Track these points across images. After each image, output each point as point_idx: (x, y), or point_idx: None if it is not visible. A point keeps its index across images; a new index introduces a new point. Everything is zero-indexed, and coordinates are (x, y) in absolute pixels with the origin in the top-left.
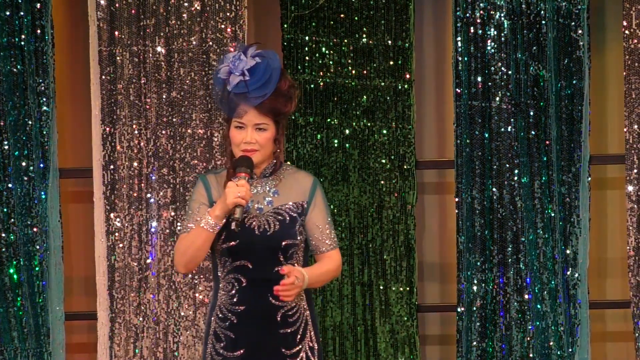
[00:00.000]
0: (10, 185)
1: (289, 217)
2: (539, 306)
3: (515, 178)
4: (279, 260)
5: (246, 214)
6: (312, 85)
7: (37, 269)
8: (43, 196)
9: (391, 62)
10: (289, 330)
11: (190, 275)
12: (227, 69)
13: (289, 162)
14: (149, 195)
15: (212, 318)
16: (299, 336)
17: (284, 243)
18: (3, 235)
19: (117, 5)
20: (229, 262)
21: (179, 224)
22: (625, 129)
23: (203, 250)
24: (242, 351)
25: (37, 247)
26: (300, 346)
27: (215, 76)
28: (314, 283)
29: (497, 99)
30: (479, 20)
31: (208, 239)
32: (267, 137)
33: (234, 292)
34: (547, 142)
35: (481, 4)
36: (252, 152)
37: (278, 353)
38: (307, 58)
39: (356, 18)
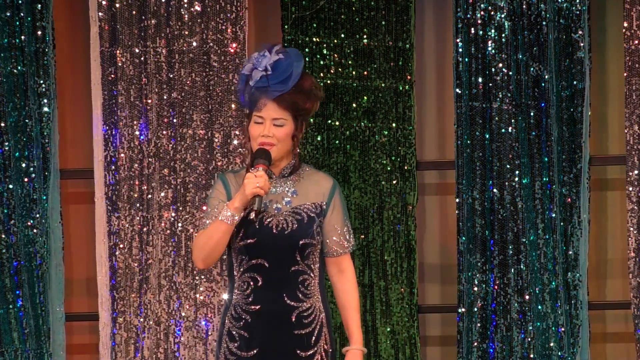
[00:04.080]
0: (10, 186)
1: (307, 217)
2: (539, 307)
3: (516, 179)
4: (295, 260)
5: (264, 212)
6: None
7: (37, 270)
8: (44, 197)
9: (392, 63)
10: (303, 332)
11: (191, 276)
12: (251, 65)
13: (307, 164)
14: (150, 195)
15: (227, 318)
16: (313, 338)
17: (301, 242)
18: (3, 236)
19: (118, 6)
20: (245, 261)
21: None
22: (625, 130)
23: (221, 244)
24: (256, 351)
25: (38, 248)
26: (315, 348)
27: (239, 73)
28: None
29: (498, 99)
30: (479, 21)
31: (227, 232)
32: (285, 132)
33: (249, 291)
34: (548, 143)
35: (482, 5)
36: (269, 146)
37: (293, 354)
38: (307, 59)
39: (357, 19)
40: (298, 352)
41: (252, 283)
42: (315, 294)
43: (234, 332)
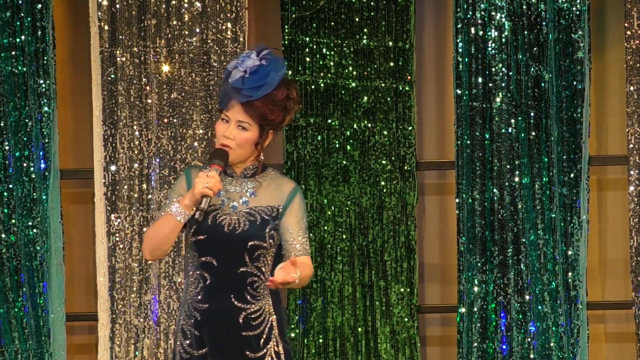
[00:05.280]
0: (11, 186)
1: (260, 219)
2: (539, 307)
3: (516, 179)
4: (244, 261)
5: (219, 210)
6: (312, 87)
7: (37, 270)
8: (44, 197)
9: (392, 63)
10: (252, 333)
11: None
12: (236, 63)
13: (273, 168)
14: (149, 196)
15: (181, 314)
16: (262, 340)
17: (250, 243)
18: (4, 236)
19: (117, 6)
20: (196, 257)
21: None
22: (627, 130)
23: (169, 239)
24: (205, 350)
25: (38, 248)
26: (265, 350)
27: (226, 68)
28: (296, 285)
29: (498, 99)
30: (479, 21)
31: (175, 228)
32: (246, 138)
33: (199, 289)
34: (548, 143)
35: (482, 5)
36: (228, 148)
37: (242, 355)
38: (307, 59)
39: (357, 19)
40: (247, 353)
41: (201, 281)
42: (265, 297)
43: (186, 330)
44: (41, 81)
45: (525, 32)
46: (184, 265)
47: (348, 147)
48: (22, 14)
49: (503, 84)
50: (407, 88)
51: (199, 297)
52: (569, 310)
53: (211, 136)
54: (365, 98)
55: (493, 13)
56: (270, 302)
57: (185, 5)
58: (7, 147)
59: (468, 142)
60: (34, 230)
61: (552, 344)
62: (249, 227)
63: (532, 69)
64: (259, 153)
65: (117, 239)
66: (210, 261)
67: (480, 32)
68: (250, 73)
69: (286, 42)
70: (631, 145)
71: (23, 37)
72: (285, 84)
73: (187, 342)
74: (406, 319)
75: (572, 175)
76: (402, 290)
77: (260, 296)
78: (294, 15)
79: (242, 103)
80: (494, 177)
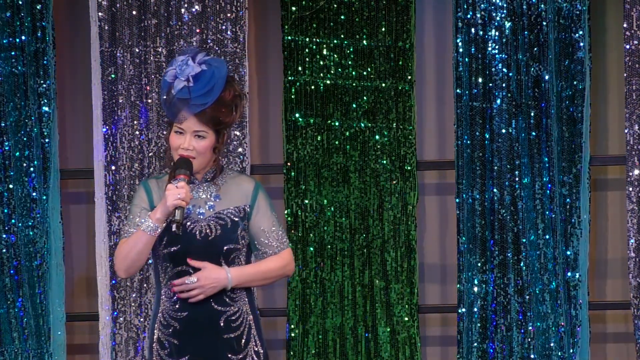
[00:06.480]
0: (10, 186)
1: (230, 222)
2: (539, 307)
3: (516, 179)
4: (220, 265)
5: (187, 218)
6: (312, 87)
7: (37, 270)
8: (44, 197)
9: (392, 63)
10: (232, 335)
11: None
12: (174, 73)
13: (231, 167)
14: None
15: (156, 325)
16: (243, 341)
17: (225, 248)
18: (4, 236)
19: (118, 5)
20: (170, 268)
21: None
22: (625, 130)
23: (144, 254)
24: (187, 358)
25: (38, 248)
26: (246, 351)
27: (162, 79)
28: (250, 282)
29: (498, 100)
30: (479, 22)
31: (149, 243)
32: (205, 146)
33: (175, 298)
34: (548, 143)
35: (482, 5)
36: (190, 159)
37: (224, 358)
38: (307, 59)
39: (357, 19)
40: (229, 355)
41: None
42: (242, 298)
43: (164, 340)
44: (41, 81)
45: (525, 32)
46: (154, 277)
47: (348, 147)
48: (22, 14)
49: (503, 84)
50: (407, 88)
51: (177, 306)
52: (569, 310)
53: (166, 148)
54: (366, 98)
55: (493, 13)
56: (247, 302)
57: (185, 5)
58: (7, 147)
59: (468, 142)
60: (34, 230)
61: (552, 344)
62: (222, 231)
63: (532, 69)
64: (218, 156)
65: (118, 238)
66: (186, 270)
67: (481, 32)
68: (195, 81)
69: (286, 42)
70: (630, 146)
71: (23, 37)
72: (229, 83)
73: (165, 351)
74: (406, 319)
75: (572, 175)
76: (402, 290)
77: (238, 297)
78: (293, 15)
79: (195, 114)
80: (494, 177)
